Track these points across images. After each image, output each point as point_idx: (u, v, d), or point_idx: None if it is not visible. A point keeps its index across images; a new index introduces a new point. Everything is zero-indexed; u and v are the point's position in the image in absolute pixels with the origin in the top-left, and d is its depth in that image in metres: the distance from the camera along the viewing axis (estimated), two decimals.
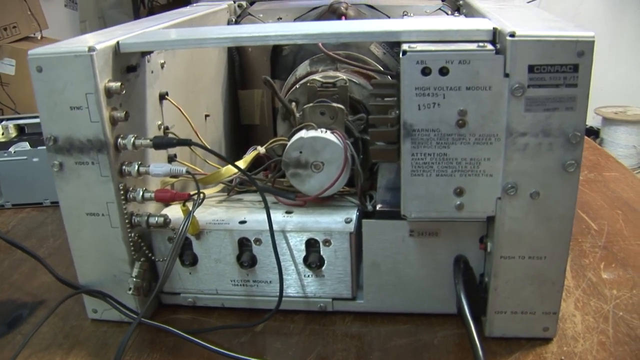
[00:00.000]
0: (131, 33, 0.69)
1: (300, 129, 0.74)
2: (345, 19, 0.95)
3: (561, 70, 0.55)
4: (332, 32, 0.61)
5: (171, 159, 0.79)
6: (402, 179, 0.61)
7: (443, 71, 0.57)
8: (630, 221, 0.96)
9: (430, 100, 0.58)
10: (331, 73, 0.86)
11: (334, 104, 0.76)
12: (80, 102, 0.62)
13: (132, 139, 0.65)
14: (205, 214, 0.72)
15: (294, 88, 0.85)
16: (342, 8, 0.96)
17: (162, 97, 0.77)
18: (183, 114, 0.79)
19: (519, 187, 0.60)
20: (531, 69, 0.55)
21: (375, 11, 1.01)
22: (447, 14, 1.01)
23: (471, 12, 0.87)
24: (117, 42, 0.65)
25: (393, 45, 0.97)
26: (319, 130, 0.73)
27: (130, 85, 0.68)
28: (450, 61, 0.56)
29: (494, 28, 0.59)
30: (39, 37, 2.74)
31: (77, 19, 4.11)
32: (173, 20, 0.82)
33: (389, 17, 1.00)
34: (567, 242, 0.61)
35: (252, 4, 1.13)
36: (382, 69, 0.92)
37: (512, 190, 0.60)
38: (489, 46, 0.56)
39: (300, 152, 0.72)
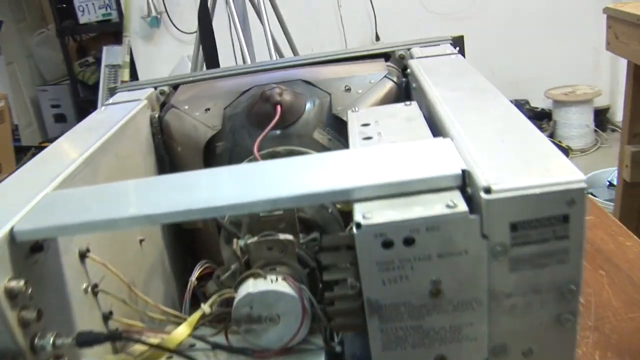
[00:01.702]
0: (29, 203, 0.58)
1: (247, 277, 0.64)
2: (281, 107, 0.85)
3: (549, 223, 0.47)
4: (267, 200, 0.51)
5: (106, 317, 0.68)
6: (373, 354, 0.52)
7: (408, 241, 0.47)
8: (616, 284, 0.90)
9: (396, 274, 0.49)
10: None
11: (282, 237, 0.67)
12: None
13: (52, 339, 0.55)
14: None
15: None
16: (276, 95, 0.86)
17: (83, 255, 0.66)
18: (110, 270, 0.68)
19: (509, 346, 0.52)
20: (514, 227, 0.47)
21: (314, 88, 0.91)
22: (393, 81, 0.92)
23: (418, 93, 0.79)
24: (12, 229, 0.54)
25: (339, 128, 0.88)
26: (268, 278, 0.63)
27: (40, 267, 0.57)
28: (415, 230, 0.47)
29: (463, 171, 0.50)
30: None
31: (3, 62, 3.89)
32: (83, 151, 0.71)
33: (329, 95, 0.90)
34: None
35: (175, 88, 1.02)
36: None
37: (501, 352, 0.51)
38: (461, 206, 0.47)
39: (251, 308, 0.62)
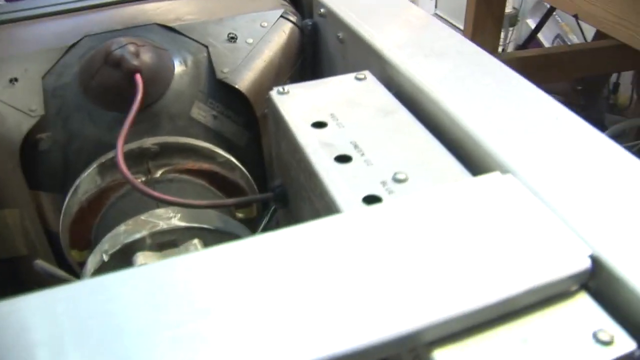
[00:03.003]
0: None
1: None
2: (142, 76, 0.54)
3: None
4: None
5: None
6: None
7: None
8: None
9: None
10: (161, 214, 0.48)
11: None
12: None
13: None
14: None
15: (101, 262, 0.46)
16: (131, 57, 0.54)
17: None
18: None
19: None
20: None
21: (181, 38, 0.61)
22: (293, 22, 0.65)
23: (355, 51, 0.53)
24: None
25: (226, 97, 0.60)
26: None
27: None
28: None
29: (591, 259, 0.28)
30: None
31: None
32: None
33: (206, 48, 0.60)
34: None
35: None
36: (225, 155, 0.56)
37: None
38: (622, 339, 0.26)
39: None
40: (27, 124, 0.55)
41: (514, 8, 2.58)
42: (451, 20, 2.95)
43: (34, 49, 0.60)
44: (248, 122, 0.61)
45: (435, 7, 3.14)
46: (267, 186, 0.64)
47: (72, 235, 0.56)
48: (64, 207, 0.56)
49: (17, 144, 0.55)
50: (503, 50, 2.34)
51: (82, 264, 0.58)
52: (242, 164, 0.59)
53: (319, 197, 0.39)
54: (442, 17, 3.07)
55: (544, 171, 0.35)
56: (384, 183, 0.37)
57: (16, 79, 0.57)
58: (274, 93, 0.46)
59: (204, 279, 0.28)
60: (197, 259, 0.29)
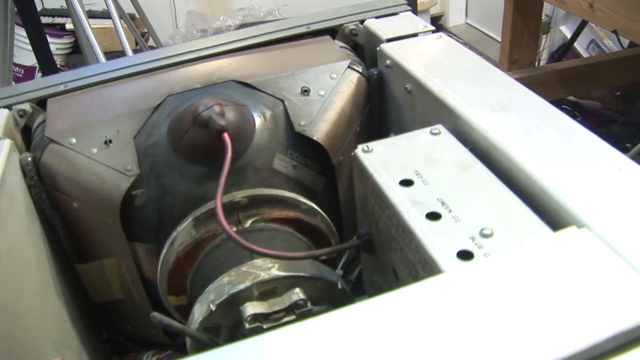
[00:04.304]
0: None
1: None
2: (228, 133, 0.61)
3: None
4: None
5: None
6: None
7: None
8: None
9: None
10: (260, 265, 0.54)
11: None
12: None
13: None
14: None
15: (209, 311, 0.52)
16: (218, 117, 0.61)
17: None
18: None
19: None
20: None
21: (258, 94, 0.67)
22: (359, 72, 0.70)
23: (423, 102, 0.59)
24: None
25: (303, 147, 0.66)
26: None
27: None
28: None
29: None
30: None
31: None
32: None
33: (282, 102, 0.67)
34: None
35: (40, 103, 0.71)
36: (307, 202, 0.62)
37: None
38: None
39: None
40: (125, 183, 0.62)
41: (546, 15, 2.60)
42: (483, 29, 3.00)
43: (123, 111, 0.66)
44: (324, 169, 0.67)
45: (466, 16, 3.18)
46: (342, 228, 0.69)
47: (170, 283, 0.62)
48: (161, 257, 0.62)
49: (117, 201, 0.62)
50: (539, 60, 2.37)
51: (178, 308, 0.64)
52: (320, 208, 0.65)
53: (414, 250, 0.44)
54: (473, 26, 3.12)
55: (616, 224, 0.40)
56: (472, 238, 0.42)
57: (110, 141, 0.63)
58: (359, 152, 0.52)
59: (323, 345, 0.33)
60: (319, 325, 0.35)
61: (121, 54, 1.55)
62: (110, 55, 1.57)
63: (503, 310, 0.34)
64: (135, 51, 1.86)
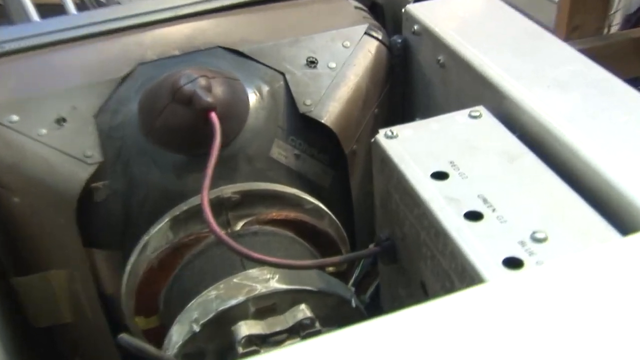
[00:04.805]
0: None
1: None
2: (216, 112, 0.64)
3: None
4: None
5: None
6: None
7: None
8: None
9: None
10: (256, 276, 0.58)
11: None
12: None
13: None
14: None
15: (191, 333, 0.56)
16: (202, 92, 0.64)
17: None
18: None
19: None
20: None
21: (253, 64, 0.70)
22: (380, 40, 0.74)
23: (459, 77, 0.62)
24: None
25: (307, 132, 0.69)
26: None
27: None
28: None
29: None
30: None
31: None
32: None
33: (282, 75, 0.70)
34: None
35: None
36: (312, 201, 0.65)
37: None
38: None
39: None
40: (83, 173, 0.64)
41: None
42: None
43: (80, 82, 0.69)
44: (334, 160, 0.70)
45: None
46: (355, 232, 0.73)
47: (138, 299, 0.65)
48: (128, 267, 0.65)
49: (73, 196, 0.64)
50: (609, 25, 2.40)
51: (147, 332, 0.67)
52: (327, 208, 0.68)
53: (450, 257, 0.48)
54: None
55: None
56: (522, 243, 0.46)
57: (64, 119, 0.66)
58: (381, 137, 0.56)
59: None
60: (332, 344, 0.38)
61: (57, 8, 1.55)
62: (43, 9, 1.56)
63: (558, 331, 0.38)
64: (79, 6, 1.86)
